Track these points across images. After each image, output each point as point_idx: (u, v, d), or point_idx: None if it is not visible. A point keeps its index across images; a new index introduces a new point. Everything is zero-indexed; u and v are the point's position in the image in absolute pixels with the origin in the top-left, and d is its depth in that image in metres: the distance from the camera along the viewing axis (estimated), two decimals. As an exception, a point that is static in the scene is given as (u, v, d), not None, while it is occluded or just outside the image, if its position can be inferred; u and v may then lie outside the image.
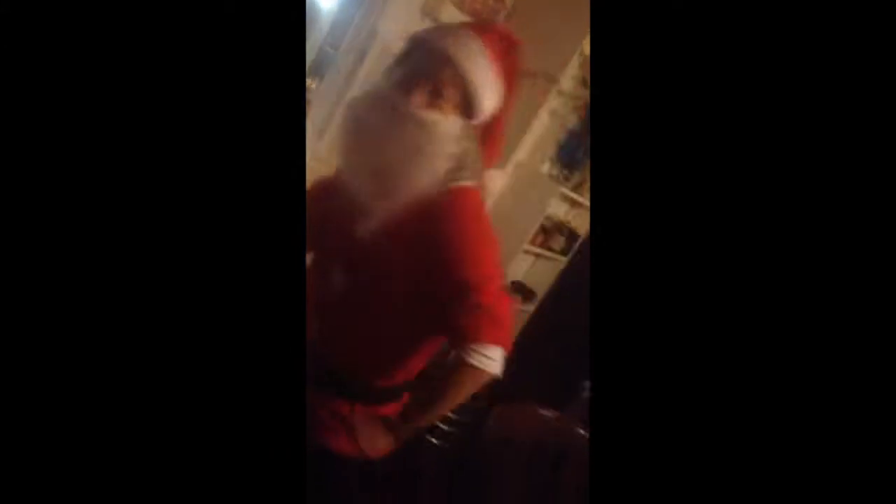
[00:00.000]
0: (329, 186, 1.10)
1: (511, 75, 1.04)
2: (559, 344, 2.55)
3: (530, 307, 3.35)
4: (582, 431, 1.80)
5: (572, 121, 3.04)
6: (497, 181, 1.08)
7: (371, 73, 2.68)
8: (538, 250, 3.28)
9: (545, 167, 3.10)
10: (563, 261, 3.46)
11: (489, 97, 1.00)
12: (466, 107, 0.99)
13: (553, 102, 2.89)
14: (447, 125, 0.97)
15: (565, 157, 3.11)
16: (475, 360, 0.95)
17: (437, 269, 0.97)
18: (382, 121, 0.96)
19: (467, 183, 1.00)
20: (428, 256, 0.98)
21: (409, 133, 0.95)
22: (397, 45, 2.67)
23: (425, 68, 0.96)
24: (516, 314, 3.30)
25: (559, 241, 3.35)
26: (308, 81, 4.60)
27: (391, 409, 1.15)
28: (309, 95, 4.28)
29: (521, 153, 2.98)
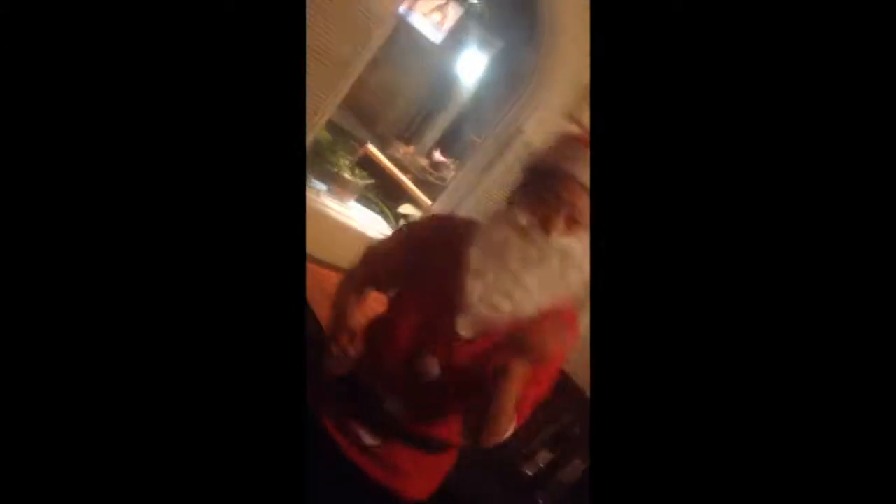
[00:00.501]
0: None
1: None
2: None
3: None
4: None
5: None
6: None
7: (509, 167, 2.86)
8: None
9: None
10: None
11: None
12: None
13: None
14: (583, 247, 1.03)
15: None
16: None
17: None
18: (523, 246, 1.03)
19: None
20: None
21: (552, 259, 1.03)
22: (539, 145, 2.83)
23: (563, 196, 1.03)
24: None
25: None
26: (447, 160, 4.91)
27: (443, 461, 1.24)
28: (446, 174, 4.56)
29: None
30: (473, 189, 2.94)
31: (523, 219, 1.04)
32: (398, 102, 6.40)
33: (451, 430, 1.18)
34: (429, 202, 3.75)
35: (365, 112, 6.01)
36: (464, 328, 1.09)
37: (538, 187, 1.06)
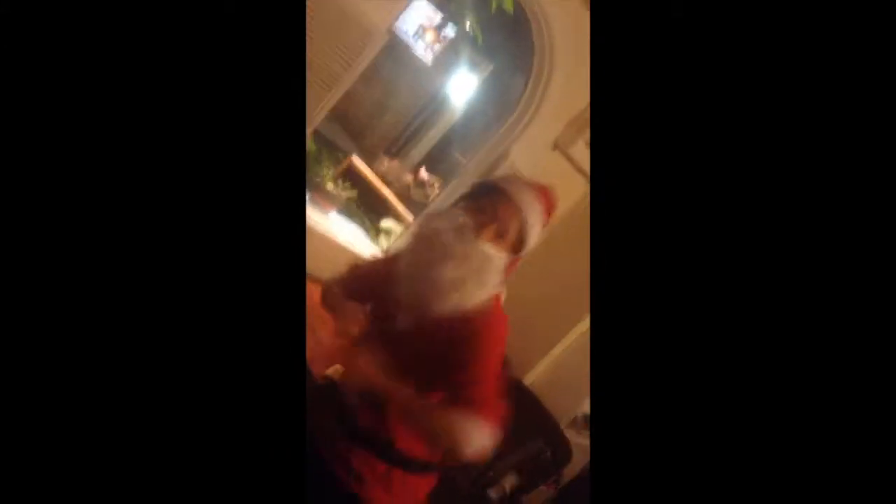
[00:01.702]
0: (388, 265, 1.30)
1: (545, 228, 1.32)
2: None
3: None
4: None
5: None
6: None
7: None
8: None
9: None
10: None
11: (533, 243, 1.26)
12: (517, 247, 1.23)
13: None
14: (500, 259, 1.19)
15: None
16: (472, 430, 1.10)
17: (455, 368, 1.15)
18: (453, 241, 1.17)
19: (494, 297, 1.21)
20: (451, 356, 1.16)
21: (474, 258, 1.16)
22: (524, 170, 2.84)
23: (499, 213, 1.18)
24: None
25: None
26: (431, 178, 4.94)
27: (426, 482, 1.30)
28: (430, 191, 4.58)
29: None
30: (456, 209, 2.95)
31: (460, 218, 1.17)
32: (386, 118, 6.42)
33: (431, 450, 1.24)
34: (410, 218, 3.75)
35: (352, 125, 6.02)
36: (402, 322, 1.19)
37: (482, 199, 1.20)
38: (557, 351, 3.09)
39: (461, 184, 3.06)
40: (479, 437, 1.10)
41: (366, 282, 1.32)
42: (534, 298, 3.02)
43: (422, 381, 1.18)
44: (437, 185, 4.66)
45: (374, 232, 3.51)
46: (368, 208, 3.68)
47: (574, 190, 2.98)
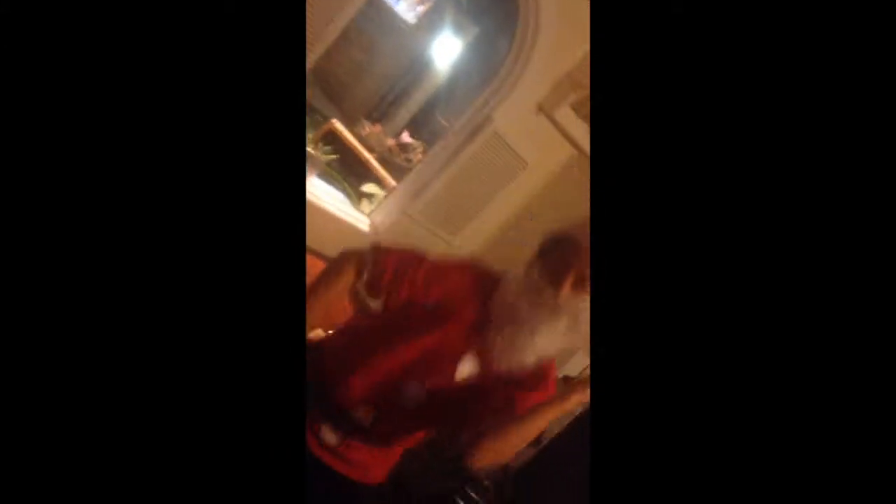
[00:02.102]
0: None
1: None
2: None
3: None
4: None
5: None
6: None
7: (477, 154, 2.85)
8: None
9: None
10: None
11: None
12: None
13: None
14: (585, 306, 1.12)
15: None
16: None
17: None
18: (535, 306, 1.12)
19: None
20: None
21: (563, 311, 1.12)
22: (508, 134, 2.81)
23: (572, 261, 1.12)
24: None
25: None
26: (414, 142, 4.87)
27: (395, 450, 1.29)
28: (413, 156, 4.53)
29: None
30: (439, 173, 2.92)
31: (536, 275, 1.14)
32: (367, 81, 6.30)
33: (417, 439, 1.26)
34: (393, 183, 3.71)
35: (332, 88, 5.90)
36: (461, 374, 1.17)
37: (552, 255, 1.16)
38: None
39: (444, 148, 3.02)
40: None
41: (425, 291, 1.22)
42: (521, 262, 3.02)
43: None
44: (420, 149, 4.60)
45: (356, 196, 3.47)
46: (349, 172, 3.63)
47: (558, 153, 2.95)
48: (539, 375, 1.18)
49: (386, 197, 3.32)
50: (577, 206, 3.05)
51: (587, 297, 1.12)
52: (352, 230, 3.03)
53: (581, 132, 2.87)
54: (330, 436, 1.20)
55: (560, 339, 1.12)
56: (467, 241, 3.06)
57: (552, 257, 1.15)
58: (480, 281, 1.22)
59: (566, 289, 1.11)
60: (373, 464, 1.26)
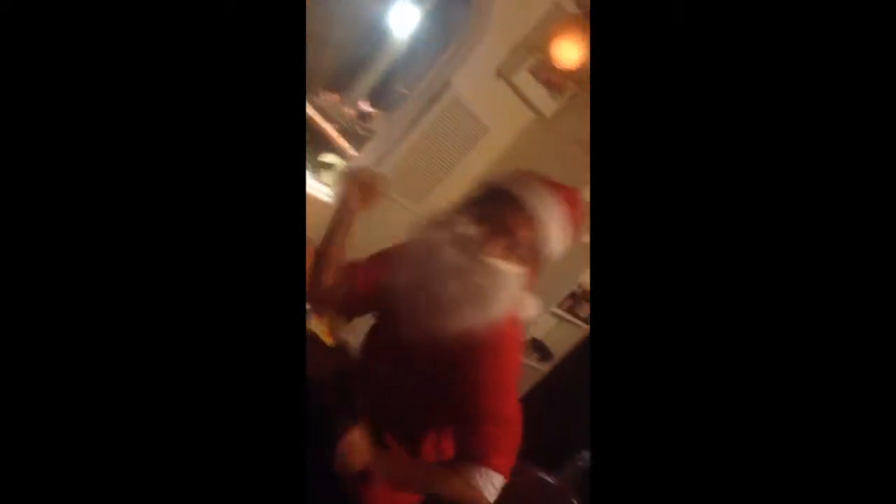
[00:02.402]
0: (389, 270, 1.15)
1: (577, 233, 1.13)
2: (565, 408, 2.61)
3: (545, 367, 3.42)
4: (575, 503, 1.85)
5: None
6: (531, 310, 1.14)
7: (437, 122, 2.83)
8: (564, 314, 3.35)
9: (584, 238, 3.19)
10: (585, 329, 3.52)
11: (557, 255, 1.11)
12: (534, 260, 1.08)
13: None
14: (513, 276, 1.05)
15: (606, 231, 3.20)
16: (481, 482, 1.03)
17: (467, 391, 1.06)
18: (455, 256, 1.02)
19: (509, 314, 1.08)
20: (462, 376, 1.06)
21: (478, 276, 1.02)
22: (468, 100, 2.80)
23: (509, 222, 1.03)
24: (530, 370, 3.37)
25: (585, 310, 3.42)
26: (374, 111, 4.82)
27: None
28: (372, 125, 4.48)
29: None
30: (399, 141, 2.90)
31: (463, 229, 1.03)
32: (325, 51, 6.18)
33: (440, 449, 1.18)
34: (354, 153, 3.67)
35: (290, 58, 5.76)
36: (405, 338, 1.08)
37: (489, 206, 1.06)
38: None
39: (403, 115, 3.00)
40: (486, 490, 1.01)
41: (366, 287, 1.17)
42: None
43: (424, 415, 1.09)
44: (379, 117, 4.56)
45: (316, 167, 3.43)
46: (308, 143, 3.58)
47: (519, 118, 2.96)
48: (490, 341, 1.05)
49: (341, 168, 3.29)
50: (539, 171, 3.07)
51: (516, 270, 1.04)
52: (313, 201, 3.00)
53: (540, 95, 2.88)
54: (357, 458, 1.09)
55: (472, 302, 1.01)
56: (431, 208, 3.06)
57: (487, 209, 1.06)
58: (391, 254, 1.16)
59: (493, 249, 1.02)
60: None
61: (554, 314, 3.36)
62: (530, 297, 1.12)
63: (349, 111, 4.58)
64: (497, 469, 1.04)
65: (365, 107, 4.63)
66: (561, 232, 1.09)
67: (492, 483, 1.04)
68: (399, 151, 2.90)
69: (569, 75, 2.82)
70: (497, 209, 1.05)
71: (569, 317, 3.39)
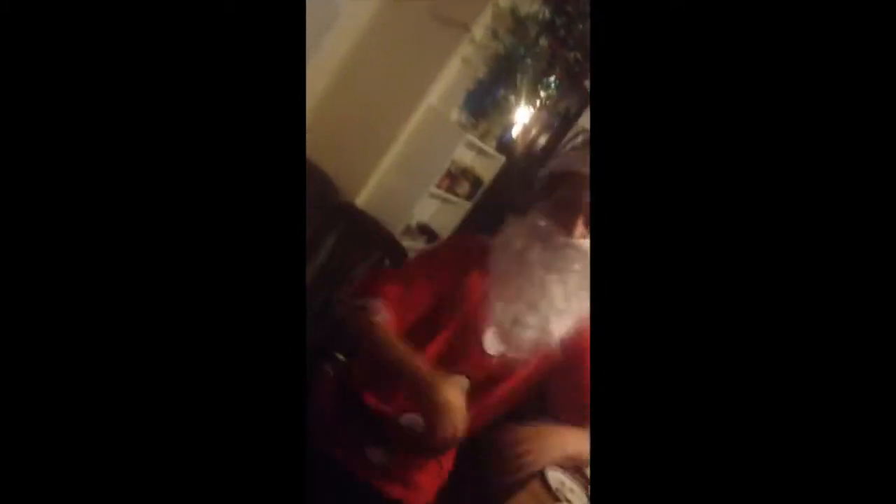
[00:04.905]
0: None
1: None
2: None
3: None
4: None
5: (482, 70, 3.14)
6: None
7: None
8: (444, 194, 3.41)
9: (454, 114, 3.21)
10: (466, 206, 3.62)
11: None
12: None
13: (465, 51, 2.98)
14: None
15: (473, 106, 3.23)
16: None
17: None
18: (544, 252, 1.03)
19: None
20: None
21: (576, 261, 1.02)
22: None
23: (582, 199, 1.01)
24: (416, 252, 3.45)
25: (464, 187, 3.50)
26: None
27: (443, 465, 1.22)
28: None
29: (432, 97, 3.07)
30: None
31: (542, 221, 1.04)
32: None
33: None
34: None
35: None
36: (491, 346, 1.08)
37: (555, 191, 1.06)
38: (383, 167, 3.13)
39: None
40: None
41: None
42: (355, 121, 2.97)
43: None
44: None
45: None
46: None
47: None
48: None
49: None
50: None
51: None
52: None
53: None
54: (377, 454, 1.11)
55: (579, 287, 1.02)
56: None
57: (556, 195, 1.06)
58: (466, 253, 1.14)
59: (579, 227, 1.02)
60: (424, 480, 1.16)
61: (434, 196, 3.41)
62: None
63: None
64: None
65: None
66: None
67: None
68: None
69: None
70: (567, 191, 1.06)
71: (449, 196, 3.45)
